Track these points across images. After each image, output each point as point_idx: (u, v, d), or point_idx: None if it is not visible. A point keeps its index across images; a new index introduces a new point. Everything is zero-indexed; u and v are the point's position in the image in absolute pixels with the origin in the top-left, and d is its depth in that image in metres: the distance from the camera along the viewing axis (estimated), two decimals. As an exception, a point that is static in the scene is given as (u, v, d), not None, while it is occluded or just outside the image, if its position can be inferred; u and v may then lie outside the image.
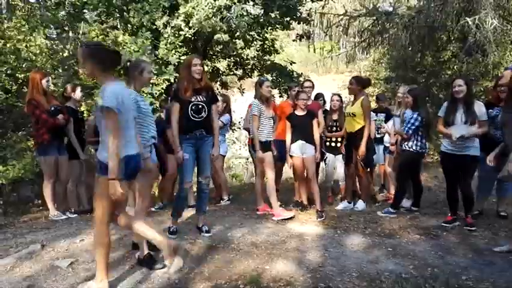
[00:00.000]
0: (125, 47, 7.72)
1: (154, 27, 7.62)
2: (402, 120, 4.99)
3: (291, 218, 4.64)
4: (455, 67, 9.59)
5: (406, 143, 4.81)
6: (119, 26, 9.20)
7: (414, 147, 4.75)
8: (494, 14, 7.90)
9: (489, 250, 3.57)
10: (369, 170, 5.75)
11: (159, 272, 3.11)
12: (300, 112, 5.16)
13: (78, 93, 5.38)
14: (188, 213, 5.14)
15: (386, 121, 5.98)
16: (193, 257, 3.46)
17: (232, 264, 3.32)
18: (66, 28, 8.70)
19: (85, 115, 7.94)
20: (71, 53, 8.59)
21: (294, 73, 9.28)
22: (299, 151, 5.11)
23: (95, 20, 9.04)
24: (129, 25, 8.19)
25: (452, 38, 9.50)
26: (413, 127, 4.71)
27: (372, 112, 5.78)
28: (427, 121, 4.79)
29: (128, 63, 3.85)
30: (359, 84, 5.15)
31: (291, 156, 5.15)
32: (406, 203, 5.21)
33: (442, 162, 4.57)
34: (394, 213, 4.77)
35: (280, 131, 5.34)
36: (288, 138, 5.16)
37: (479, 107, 4.22)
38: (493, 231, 4.10)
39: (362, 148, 5.02)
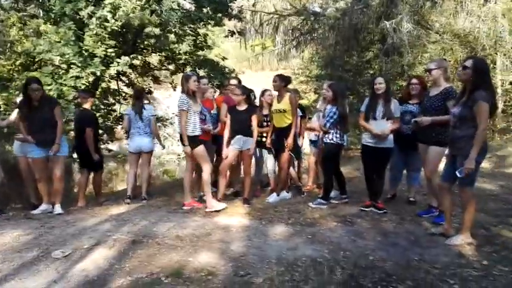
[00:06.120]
0: (45, 36, 7.29)
1: (79, 17, 7.27)
2: (324, 115, 5.27)
3: (223, 210, 4.76)
4: (376, 66, 10.30)
5: (326, 136, 5.07)
6: (41, 15, 8.65)
7: (334, 140, 5.03)
8: (409, 18, 8.62)
9: (395, 233, 3.93)
10: (296, 162, 6.04)
11: (76, 270, 3.03)
12: (240, 107, 5.26)
13: None
14: (110, 210, 5.04)
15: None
16: (115, 253, 3.40)
17: (155, 258, 3.31)
18: (-22, 14, 8.01)
19: (1, 109, 7.39)
20: (-18, 41, 7.92)
21: (226, 69, 9.35)
22: (237, 145, 5.22)
23: (12, 6, 8.43)
24: (51, 14, 7.71)
25: (374, 39, 10.17)
26: (331, 120, 4.98)
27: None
28: (344, 115, 5.07)
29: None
30: (282, 82, 5.35)
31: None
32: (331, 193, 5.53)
33: (362, 154, 4.96)
34: (325, 204, 4.99)
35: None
36: (227, 131, 5.26)
37: (394, 105, 4.66)
38: (401, 216, 4.50)
39: (289, 141, 5.24)
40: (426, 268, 3.09)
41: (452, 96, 4.02)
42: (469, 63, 3.48)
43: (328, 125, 4.98)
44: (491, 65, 12.42)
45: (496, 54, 11.89)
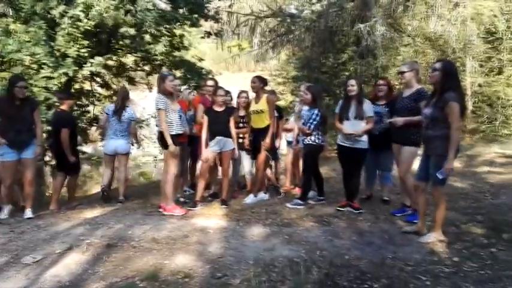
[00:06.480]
0: (15, 36, 7.06)
1: (50, 16, 7.08)
2: (299, 116, 5.32)
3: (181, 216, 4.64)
4: (351, 68, 10.47)
5: (308, 138, 5.10)
6: (10, 13, 8.37)
7: (317, 141, 5.08)
8: (382, 22, 8.81)
9: (370, 232, 4.00)
10: (273, 162, 6.09)
11: (47, 276, 2.94)
12: (218, 108, 5.23)
13: None
14: (84, 213, 4.93)
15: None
16: (89, 257, 3.32)
17: (130, 261, 3.26)
18: None
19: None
20: None
21: (203, 70, 9.30)
22: (217, 147, 5.19)
23: (-21, 4, 8.12)
24: (20, 13, 7.47)
25: (349, 41, 10.35)
26: (314, 122, 5.03)
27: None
28: (325, 117, 5.16)
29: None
30: (261, 83, 5.39)
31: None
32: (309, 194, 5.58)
33: (338, 154, 5.07)
34: (303, 204, 5.02)
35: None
36: (204, 133, 5.21)
37: (367, 105, 4.76)
38: (376, 215, 4.59)
39: (267, 140, 5.26)
40: (400, 266, 3.16)
41: (424, 97, 4.14)
42: (438, 65, 3.60)
43: (312, 127, 5.03)
44: (461, 68, 12.83)
45: (466, 57, 12.30)
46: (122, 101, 5.69)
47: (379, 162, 5.16)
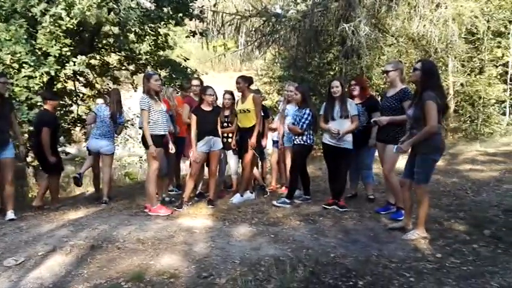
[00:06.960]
0: (-6, 34, 6.89)
1: (31, 14, 6.94)
2: (283, 116, 5.34)
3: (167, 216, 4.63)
4: (336, 68, 10.56)
5: (299, 137, 5.11)
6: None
7: (308, 141, 5.11)
8: (367, 22, 8.90)
9: (355, 230, 4.04)
10: (260, 161, 6.11)
11: (30, 279, 2.89)
12: (206, 107, 5.20)
13: None
14: (67, 214, 4.86)
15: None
16: (72, 259, 3.27)
17: (115, 262, 3.23)
18: None
19: None
20: None
21: (188, 69, 9.24)
22: (206, 147, 5.16)
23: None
24: (1, 11, 7.31)
25: (334, 41, 10.43)
26: (307, 122, 5.05)
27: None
28: (316, 116, 5.19)
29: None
30: (246, 82, 5.39)
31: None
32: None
33: (323, 152, 5.13)
34: (289, 203, 5.03)
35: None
36: (194, 132, 5.17)
37: (350, 104, 4.81)
38: (361, 213, 4.63)
39: (252, 140, 5.26)
40: (384, 263, 3.20)
41: (408, 97, 4.19)
42: (418, 65, 3.68)
43: (304, 126, 5.04)
44: (443, 68, 13.08)
45: (448, 57, 12.54)
46: (117, 104, 5.64)
47: (358, 161, 5.20)
